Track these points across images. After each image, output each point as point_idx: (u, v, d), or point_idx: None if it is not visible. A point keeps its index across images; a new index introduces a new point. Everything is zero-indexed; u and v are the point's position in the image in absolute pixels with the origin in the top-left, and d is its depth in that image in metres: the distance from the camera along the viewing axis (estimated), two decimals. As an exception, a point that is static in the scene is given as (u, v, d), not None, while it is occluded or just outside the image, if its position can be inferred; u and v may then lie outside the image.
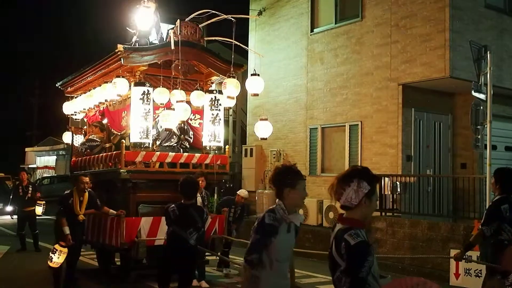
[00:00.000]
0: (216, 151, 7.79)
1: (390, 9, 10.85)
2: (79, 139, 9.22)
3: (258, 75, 7.75)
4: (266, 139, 8.19)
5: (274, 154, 13.14)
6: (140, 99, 7.03)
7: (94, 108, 8.67)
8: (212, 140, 7.68)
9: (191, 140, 8.01)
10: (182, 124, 7.81)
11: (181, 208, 5.21)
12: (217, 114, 7.69)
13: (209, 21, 8.99)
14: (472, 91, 7.87)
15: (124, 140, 7.37)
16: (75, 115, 9.48)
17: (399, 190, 10.01)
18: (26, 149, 34.86)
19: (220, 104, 7.74)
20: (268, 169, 13.16)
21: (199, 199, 7.17)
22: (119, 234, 6.88)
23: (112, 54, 7.26)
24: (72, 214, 6.73)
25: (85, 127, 9.53)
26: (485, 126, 7.91)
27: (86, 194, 6.89)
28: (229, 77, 7.58)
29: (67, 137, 9.82)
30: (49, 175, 30.05)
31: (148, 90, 7.08)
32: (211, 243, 7.50)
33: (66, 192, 7.05)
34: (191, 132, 8.01)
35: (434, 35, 9.97)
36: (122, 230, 6.84)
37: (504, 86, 10.54)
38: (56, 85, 9.73)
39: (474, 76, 8.12)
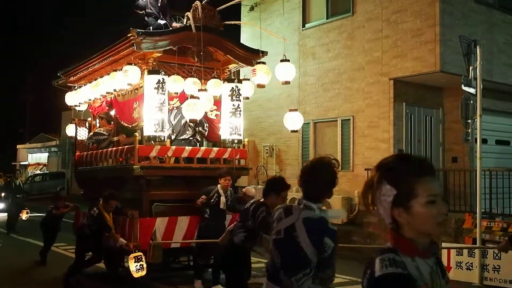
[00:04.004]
0: (236, 145, 7.18)
1: (381, 4, 10.88)
2: (82, 132, 8.65)
3: (288, 60, 6.98)
4: (296, 131, 7.42)
5: (266, 149, 13.17)
6: (155, 88, 6.32)
7: (100, 98, 7.90)
8: (233, 133, 6.97)
9: (206, 133, 7.44)
10: None
11: (250, 204, 4.81)
12: (238, 105, 7.00)
13: (223, 6, 8.39)
14: (462, 86, 7.93)
15: (137, 133, 6.68)
16: (79, 106, 8.67)
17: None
18: (18, 146, 34.66)
19: (240, 94, 7.05)
20: (261, 164, 13.19)
21: (222, 199, 6.62)
22: (132, 236, 6.32)
23: (124, 39, 6.52)
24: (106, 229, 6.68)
25: (89, 119, 8.79)
26: (475, 120, 7.98)
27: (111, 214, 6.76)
28: (259, 63, 6.97)
29: (70, 130, 9.11)
30: (41, 172, 29.93)
31: (163, 79, 6.39)
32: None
33: (97, 212, 6.82)
34: (206, 124, 7.37)
35: (425, 29, 10.02)
36: (136, 232, 6.28)
37: (494, 80, 10.62)
38: (58, 74, 9.12)
39: (464, 70, 8.18)
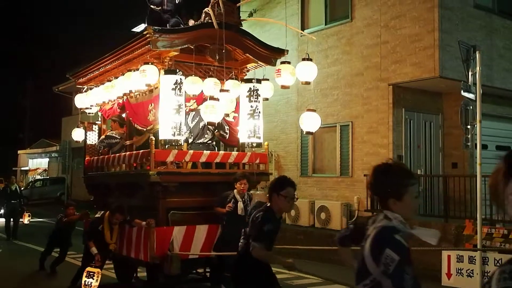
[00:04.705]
0: (255, 148, 6.83)
1: (379, 10, 10.86)
2: (91, 136, 8.24)
3: (311, 59, 6.54)
4: (312, 133, 7.02)
5: (266, 155, 13.13)
6: (172, 89, 5.94)
7: (113, 100, 7.49)
8: (251, 136, 6.61)
9: (227, 136, 7.05)
10: None
11: (255, 207, 4.26)
12: (256, 106, 6.63)
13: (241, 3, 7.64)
14: (462, 91, 7.89)
15: (152, 137, 6.29)
16: (90, 108, 8.21)
17: (390, 190, 10.02)
18: (19, 152, 34.69)
19: (259, 95, 6.67)
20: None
21: (240, 204, 6.30)
22: (148, 247, 5.96)
23: (140, 37, 6.18)
24: (102, 241, 6.47)
25: (98, 122, 8.36)
26: (475, 125, 7.93)
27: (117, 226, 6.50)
28: (283, 63, 6.55)
29: (77, 134, 8.56)
30: (42, 177, 29.93)
31: (180, 79, 6.04)
32: None
33: (96, 215, 6.64)
34: (226, 127, 6.98)
35: (424, 35, 10.00)
36: (153, 242, 5.92)
37: (494, 86, 10.59)
38: (67, 75, 8.79)
39: (464, 75, 8.14)
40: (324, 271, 7.75)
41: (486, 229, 7.68)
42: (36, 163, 33.51)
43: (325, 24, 12.07)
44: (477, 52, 7.92)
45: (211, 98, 6.08)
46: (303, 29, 12.61)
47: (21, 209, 12.88)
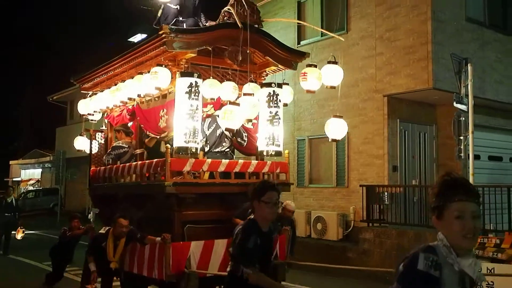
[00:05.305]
0: (274, 157, 6.42)
1: (374, 22, 11.06)
2: (95, 144, 7.73)
3: (336, 63, 6.21)
4: (338, 141, 6.58)
5: (262, 165, 13.18)
6: (187, 92, 5.53)
7: (120, 106, 6.96)
8: (270, 143, 6.17)
9: (244, 144, 6.62)
10: None
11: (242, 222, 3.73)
12: (276, 112, 6.18)
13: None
14: (454, 103, 8.05)
15: (169, 144, 5.81)
16: (93, 115, 7.69)
17: (385, 200, 10.13)
18: (11, 162, 34.46)
19: (279, 100, 6.21)
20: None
21: None
22: (163, 264, 5.51)
23: (155, 37, 5.74)
24: (105, 259, 5.97)
25: (104, 128, 7.83)
26: (468, 136, 8.07)
27: (123, 239, 5.96)
28: (309, 66, 6.17)
29: (79, 142, 8.08)
30: (34, 188, 29.74)
31: (196, 82, 5.58)
32: (272, 271, 5.36)
33: (100, 231, 6.24)
34: (244, 134, 6.56)
35: (418, 47, 10.18)
36: (168, 259, 5.46)
37: (486, 97, 10.78)
38: (71, 80, 8.31)
39: (456, 87, 8.31)
40: (326, 285, 7.75)
41: (479, 239, 7.78)
42: (28, 174, 33.27)
43: (321, 36, 12.23)
44: (468, 64, 8.10)
45: (231, 103, 5.69)
46: (299, 40, 12.77)
47: (15, 223, 12.21)
